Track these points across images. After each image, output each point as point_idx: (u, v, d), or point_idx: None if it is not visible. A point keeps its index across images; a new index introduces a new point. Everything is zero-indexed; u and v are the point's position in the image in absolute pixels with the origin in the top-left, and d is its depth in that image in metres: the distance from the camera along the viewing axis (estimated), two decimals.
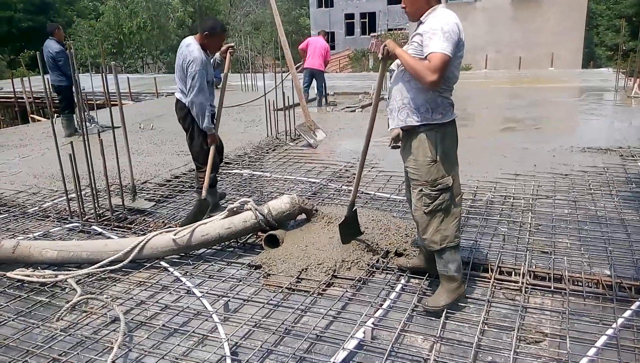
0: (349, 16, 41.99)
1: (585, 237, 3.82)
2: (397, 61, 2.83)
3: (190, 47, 4.12)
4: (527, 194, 4.81)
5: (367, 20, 40.93)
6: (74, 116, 8.35)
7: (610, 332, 2.61)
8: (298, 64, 10.52)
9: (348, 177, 5.61)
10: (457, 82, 2.80)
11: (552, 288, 3.06)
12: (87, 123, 8.28)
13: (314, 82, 11.20)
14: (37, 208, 4.89)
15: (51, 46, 8.08)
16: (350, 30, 42.34)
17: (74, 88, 8.00)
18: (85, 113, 8.45)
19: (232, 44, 4.54)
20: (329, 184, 5.36)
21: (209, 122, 4.25)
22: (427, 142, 2.73)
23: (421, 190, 2.78)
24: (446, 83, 2.72)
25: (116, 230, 4.26)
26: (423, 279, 3.19)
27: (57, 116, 8.85)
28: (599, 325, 2.70)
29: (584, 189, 4.92)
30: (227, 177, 5.81)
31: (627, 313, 2.77)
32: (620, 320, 2.69)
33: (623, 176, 5.29)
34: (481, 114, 9.77)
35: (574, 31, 26.37)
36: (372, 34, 37.95)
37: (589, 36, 32.98)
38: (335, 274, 3.27)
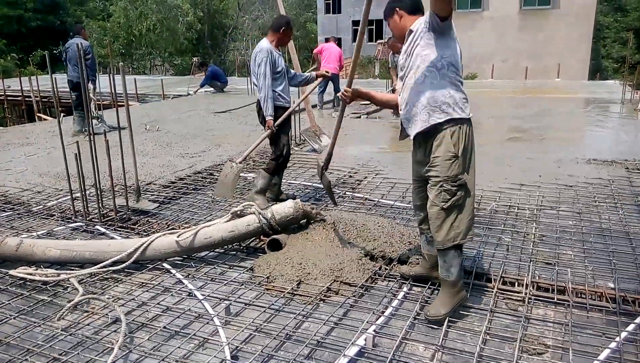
0: (357, 23, 42.03)
1: (589, 249, 3.80)
2: (402, 63, 2.90)
3: (259, 44, 4.67)
4: (532, 204, 4.79)
5: (374, 27, 40.96)
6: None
7: (613, 345, 2.59)
8: (312, 68, 10.59)
9: (352, 183, 5.60)
10: (463, 71, 2.83)
11: (556, 300, 3.04)
12: (95, 121, 8.38)
13: (329, 87, 11.34)
14: (41, 206, 4.90)
15: (81, 41, 8.26)
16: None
17: (90, 85, 8.18)
18: (96, 112, 8.55)
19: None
20: (333, 189, 5.35)
21: (271, 109, 4.53)
22: (449, 138, 2.73)
23: (442, 186, 2.76)
24: (452, 69, 2.76)
25: (119, 231, 4.26)
26: (425, 287, 3.18)
27: (64, 116, 8.90)
28: (602, 338, 2.68)
29: (589, 201, 4.90)
30: None
31: (631, 327, 2.75)
32: (623, 334, 2.67)
33: (628, 189, 5.26)
34: (487, 124, 9.76)
35: (581, 43, 26.36)
36: (378, 41, 37.99)
37: (596, 48, 32.95)
38: (337, 280, 3.25)
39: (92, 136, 4.32)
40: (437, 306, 2.86)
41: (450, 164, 2.73)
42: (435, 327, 2.79)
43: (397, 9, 2.93)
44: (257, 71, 4.55)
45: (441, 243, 2.81)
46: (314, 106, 11.09)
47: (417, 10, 2.92)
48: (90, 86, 8.47)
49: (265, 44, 4.61)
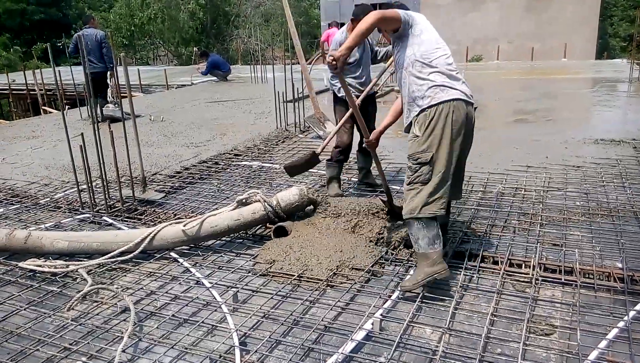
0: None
1: (596, 230, 3.78)
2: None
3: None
4: (539, 186, 4.77)
5: None
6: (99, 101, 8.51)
7: (621, 324, 2.58)
8: (317, 54, 10.57)
9: (357, 169, 5.58)
10: (443, 61, 2.96)
11: (563, 281, 3.03)
12: (112, 106, 8.49)
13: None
14: (48, 199, 4.93)
15: (98, 32, 8.40)
16: None
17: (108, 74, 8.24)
18: (114, 98, 8.64)
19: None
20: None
21: (338, 90, 4.62)
22: (417, 121, 2.97)
23: (408, 163, 3.00)
24: (417, 65, 2.94)
25: (126, 221, 4.29)
26: None
27: (69, 108, 8.93)
28: (610, 317, 2.68)
29: (596, 181, 4.87)
30: (237, 168, 5.83)
31: (639, 306, 2.74)
32: (631, 313, 2.66)
33: (636, 168, 5.22)
34: (492, 106, 9.69)
35: (587, 22, 26.01)
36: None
37: (603, 27, 32.50)
38: (343, 265, 3.26)
39: (96, 127, 4.33)
40: (411, 278, 2.98)
41: (412, 143, 2.98)
42: (442, 309, 2.79)
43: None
44: None
45: (404, 214, 3.00)
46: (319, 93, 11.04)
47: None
48: (108, 73, 8.56)
49: (338, 35, 4.72)
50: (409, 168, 2.98)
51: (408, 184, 2.99)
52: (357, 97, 4.62)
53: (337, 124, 4.79)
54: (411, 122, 3.03)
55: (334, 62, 2.89)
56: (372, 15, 2.86)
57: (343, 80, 3.28)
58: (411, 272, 3.18)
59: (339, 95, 4.65)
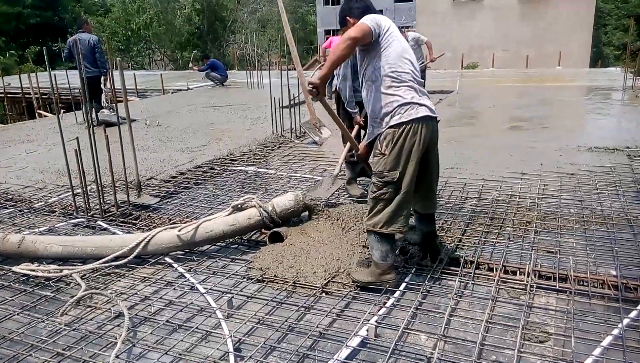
0: None
1: (591, 237, 3.79)
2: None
3: None
4: (533, 193, 4.78)
5: None
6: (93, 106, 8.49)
7: (615, 332, 2.59)
8: (313, 59, 10.62)
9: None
10: (411, 75, 2.95)
11: (558, 288, 3.04)
12: (107, 111, 8.46)
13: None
14: (43, 203, 4.91)
15: (91, 37, 8.35)
16: None
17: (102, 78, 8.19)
18: (108, 103, 8.62)
19: None
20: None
21: (350, 106, 4.65)
22: (383, 138, 2.95)
23: (373, 179, 3.02)
24: (387, 79, 2.90)
25: (121, 226, 4.27)
26: (427, 277, 3.19)
27: (64, 112, 8.92)
28: (605, 325, 2.68)
29: (591, 188, 4.89)
30: (232, 174, 5.82)
31: (633, 314, 2.74)
32: (626, 321, 2.67)
33: (630, 176, 5.25)
34: (488, 113, 9.73)
35: (582, 30, 26.24)
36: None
37: (597, 35, 32.77)
38: (339, 272, 3.25)
39: (92, 131, 4.32)
40: (363, 273, 3.11)
41: (378, 161, 2.97)
42: (437, 316, 2.79)
43: (348, 17, 3.14)
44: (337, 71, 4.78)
45: (366, 224, 3.06)
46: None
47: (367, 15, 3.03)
48: (102, 78, 8.54)
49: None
50: (374, 184, 2.99)
51: (372, 199, 3.01)
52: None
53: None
54: (375, 138, 3.03)
55: (315, 90, 2.89)
56: (342, 42, 2.79)
57: (324, 103, 3.20)
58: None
59: (346, 101, 4.74)
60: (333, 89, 4.88)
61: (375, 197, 2.98)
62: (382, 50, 2.91)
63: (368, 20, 2.88)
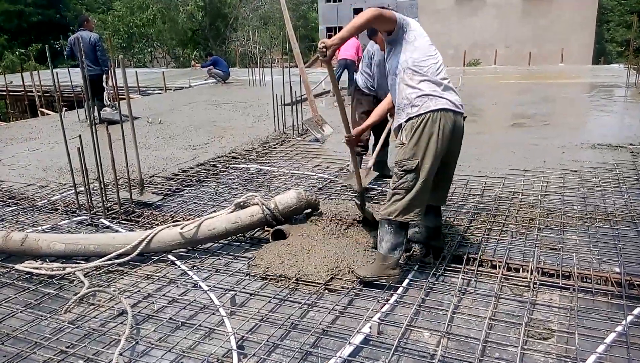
0: (358, 11, 41.76)
1: (594, 234, 3.79)
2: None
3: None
4: (536, 190, 4.77)
5: None
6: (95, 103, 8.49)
7: (619, 329, 2.58)
8: (314, 57, 10.67)
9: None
10: (433, 70, 2.99)
11: (561, 285, 3.04)
12: (109, 109, 8.45)
13: (344, 75, 11.52)
14: (45, 201, 4.92)
15: (92, 34, 8.31)
16: None
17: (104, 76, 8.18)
18: (111, 101, 8.61)
19: None
20: (336, 179, 5.35)
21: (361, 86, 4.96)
22: (404, 129, 3.00)
23: (395, 169, 3.04)
24: (409, 72, 2.97)
25: (124, 224, 4.27)
26: (430, 274, 3.18)
27: (66, 110, 8.92)
28: (608, 322, 2.68)
29: (594, 185, 4.88)
30: (235, 171, 5.82)
31: (637, 311, 2.74)
32: (629, 318, 2.67)
33: (633, 173, 5.23)
34: (490, 110, 9.71)
35: (584, 27, 26.16)
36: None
37: (600, 32, 32.66)
38: (342, 269, 3.25)
39: (94, 129, 4.32)
40: (366, 269, 3.14)
41: (398, 150, 3.02)
42: (440, 313, 2.79)
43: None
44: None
45: (381, 213, 3.08)
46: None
47: None
48: (104, 76, 8.53)
49: (369, 47, 4.96)
50: (395, 174, 3.03)
51: (392, 190, 3.04)
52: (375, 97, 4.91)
53: (352, 113, 5.07)
54: (400, 125, 3.07)
55: (324, 50, 2.89)
56: (370, 10, 2.88)
57: (331, 70, 3.26)
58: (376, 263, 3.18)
59: (362, 89, 4.95)
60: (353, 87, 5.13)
61: (395, 187, 3.02)
62: (407, 44, 3.00)
63: (397, 14, 3.03)
